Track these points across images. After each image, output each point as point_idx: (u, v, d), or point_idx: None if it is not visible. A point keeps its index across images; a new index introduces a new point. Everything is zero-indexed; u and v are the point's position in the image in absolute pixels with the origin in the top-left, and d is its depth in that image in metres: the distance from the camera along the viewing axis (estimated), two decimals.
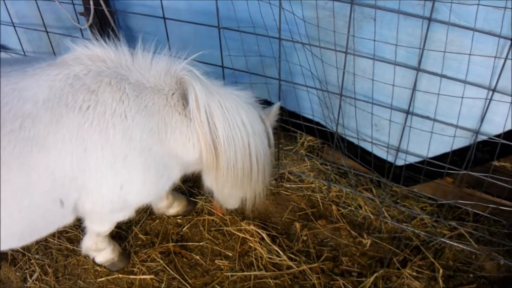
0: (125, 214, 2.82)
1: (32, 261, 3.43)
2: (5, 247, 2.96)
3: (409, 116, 2.78)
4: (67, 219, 2.61)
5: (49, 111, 2.24)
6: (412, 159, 3.06)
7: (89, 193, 2.46)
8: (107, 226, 2.99)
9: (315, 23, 2.82)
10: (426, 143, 2.91)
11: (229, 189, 2.80)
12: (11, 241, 2.66)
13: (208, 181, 2.90)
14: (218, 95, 2.49)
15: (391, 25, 2.56)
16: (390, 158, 3.20)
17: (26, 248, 3.50)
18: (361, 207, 3.51)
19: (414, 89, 2.64)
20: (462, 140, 2.79)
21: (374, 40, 2.62)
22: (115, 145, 2.35)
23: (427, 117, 2.74)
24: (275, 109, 2.84)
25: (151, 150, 2.46)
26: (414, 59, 2.58)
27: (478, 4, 2.22)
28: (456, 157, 2.87)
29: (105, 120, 2.32)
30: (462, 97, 2.57)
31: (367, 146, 3.27)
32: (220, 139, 2.51)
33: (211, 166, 2.64)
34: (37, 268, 3.38)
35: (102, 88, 2.34)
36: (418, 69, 2.53)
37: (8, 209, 2.31)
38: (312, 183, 3.70)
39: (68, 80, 2.32)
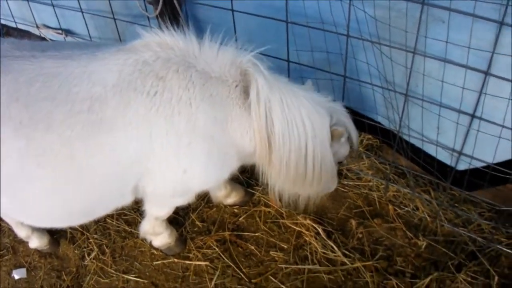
0: (185, 199, 2.90)
1: (91, 240, 3.55)
2: (64, 224, 3.09)
3: (475, 120, 2.74)
4: (126, 200, 2.70)
5: (117, 94, 2.31)
6: (475, 164, 3.02)
7: (152, 176, 2.53)
8: (166, 210, 3.06)
9: (383, 23, 2.80)
10: (489, 149, 2.86)
11: (281, 184, 2.81)
12: (71, 218, 2.76)
13: (262, 174, 2.93)
14: (280, 91, 2.49)
15: (460, 28, 2.52)
16: (450, 162, 3.15)
17: (85, 228, 3.62)
18: (418, 209, 3.47)
19: (481, 92, 2.60)
20: None
21: (447, 42, 2.59)
22: (179, 131, 2.41)
23: (494, 122, 2.69)
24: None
25: (214, 137, 2.50)
26: (481, 63, 2.53)
27: None
28: None
29: (171, 106, 2.37)
30: None
31: (429, 149, 3.23)
32: (275, 136, 2.51)
33: (263, 160, 2.67)
34: (95, 247, 3.50)
35: (170, 75, 2.39)
36: (486, 73, 2.49)
37: (72, 187, 2.41)
38: (369, 181, 3.69)
39: (137, 65, 2.39)
